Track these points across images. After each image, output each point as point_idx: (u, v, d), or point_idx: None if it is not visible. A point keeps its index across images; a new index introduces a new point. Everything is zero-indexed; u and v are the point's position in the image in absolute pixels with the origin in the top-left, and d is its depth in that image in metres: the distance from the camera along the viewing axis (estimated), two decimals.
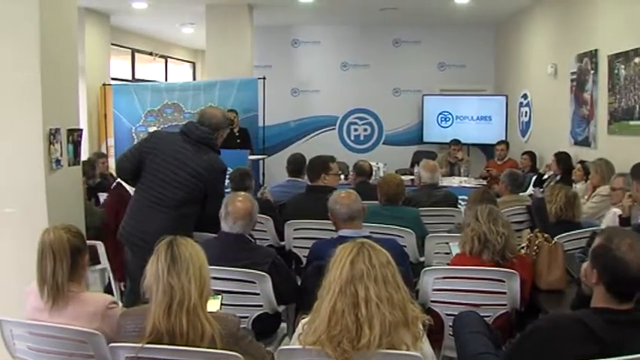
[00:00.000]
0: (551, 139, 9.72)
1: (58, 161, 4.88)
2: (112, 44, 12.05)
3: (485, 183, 9.44)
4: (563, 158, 8.20)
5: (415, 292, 3.92)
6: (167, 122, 10.67)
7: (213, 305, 2.98)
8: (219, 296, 3.18)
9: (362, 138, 13.84)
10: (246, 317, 3.88)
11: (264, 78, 10.95)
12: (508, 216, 4.95)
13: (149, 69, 14.50)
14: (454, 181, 9.49)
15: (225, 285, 3.71)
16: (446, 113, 12.96)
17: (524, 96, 11.40)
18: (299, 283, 4.31)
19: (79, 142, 5.27)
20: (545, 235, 4.21)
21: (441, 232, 5.26)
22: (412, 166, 10.72)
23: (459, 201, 6.50)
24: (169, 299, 2.62)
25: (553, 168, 8.35)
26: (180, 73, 16.17)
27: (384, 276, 2.56)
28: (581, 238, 4.75)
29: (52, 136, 4.80)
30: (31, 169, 4.73)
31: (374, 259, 2.57)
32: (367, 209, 4.53)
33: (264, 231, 5.53)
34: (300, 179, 6.58)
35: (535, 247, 4.12)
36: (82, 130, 5.36)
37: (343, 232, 4.21)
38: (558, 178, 7.96)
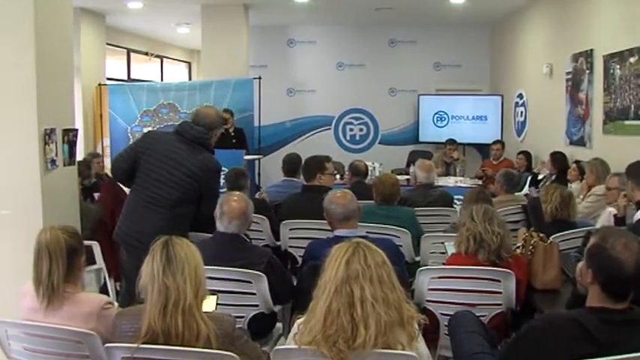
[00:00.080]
0: (546, 139, 9.73)
1: (53, 161, 4.88)
2: (108, 44, 12.03)
3: (480, 183, 9.45)
4: (558, 158, 8.21)
5: (411, 292, 3.91)
6: (163, 122, 10.64)
7: (209, 305, 2.98)
8: (215, 296, 3.18)
9: (358, 138, 13.83)
10: (242, 317, 3.88)
11: (259, 78, 10.93)
12: (504, 216, 4.96)
13: (145, 69, 14.48)
14: (450, 181, 9.49)
15: (220, 285, 3.70)
16: (441, 113, 12.97)
17: (520, 96, 11.41)
18: (295, 282, 4.32)
19: (75, 142, 5.27)
20: (541, 235, 4.21)
21: (437, 232, 5.27)
22: (408, 165, 10.72)
23: (455, 201, 6.51)
24: (165, 299, 2.62)
25: (548, 167, 8.37)
26: (175, 73, 16.15)
27: (380, 276, 2.56)
28: (576, 238, 4.76)
29: (48, 136, 4.80)
30: (26, 170, 4.73)
31: (369, 259, 2.57)
32: (363, 209, 4.54)
33: (260, 231, 5.54)
34: (295, 179, 6.59)
35: (530, 247, 4.13)
36: (77, 130, 5.35)
37: (339, 232, 4.21)
38: (554, 177, 7.97)
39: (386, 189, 5.48)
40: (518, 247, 4.26)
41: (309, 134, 13.72)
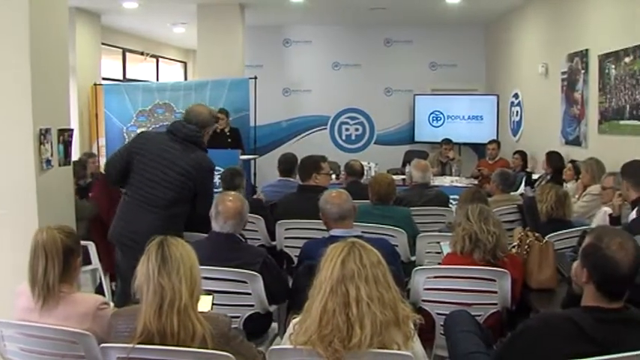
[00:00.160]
0: (542, 139, 9.75)
1: (48, 161, 4.87)
2: (103, 44, 12.01)
3: (476, 182, 9.46)
4: (554, 157, 8.23)
5: (406, 292, 3.92)
6: (158, 122, 10.62)
7: (205, 305, 2.97)
8: (211, 296, 3.18)
9: (353, 138, 13.84)
10: (238, 317, 3.88)
11: (255, 78, 10.93)
12: (499, 215, 4.96)
13: (140, 69, 14.46)
14: (445, 181, 9.49)
15: (216, 285, 3.70)
16: (437, 113, 12.98)
17: (516, 95, 11.43)
18: (290, 282, 4.31)
19: (70, 142, 5.26)
20: (536, 234, 4.22)
21: (432, 232, 5.27)
22: (403, 165, 10.73)
23: (451, 200, 6.52)
24: (160, 299, 2.61)
25: (544, 167, 8.38)
26: (171, 73, 16.13)
27: (375, 275, 2.56)
28: (572, 237, 4.77)
29: (43, 136, 4.79)
30: (21, 170, 4.72)
31: (365, 259, 2.57)
32: (358, 209, 4.53)
33: (256, 231, 5.53)
34: (291, 179, 6.58)
35: (526, 246, 4.13)
36: (72, 130, 5.35)
37: (334, 232, 4.21)
38: (549, 177, 7.98)
39: (382, 189, 5.48)
40: (513, 247, 4.27)
41: (304, 134, 13.72)
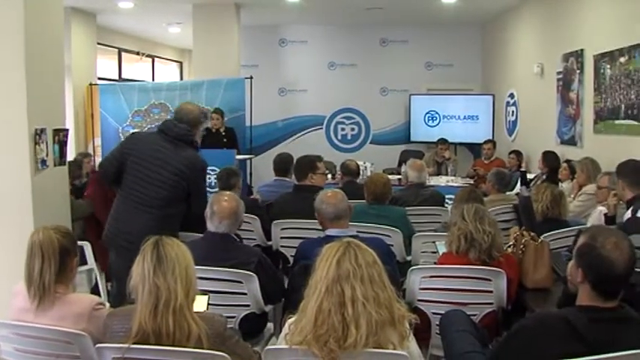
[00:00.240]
0: (537, 139, 9.76)
1: (43, 161, 4.87)
2: (99, 44, 12.00)
3: (472, 182, 9.46)
4: (549, 157, 8.24)
5: (402, 291, 3.92)
6: (154, 122, 10.59)
7: (200, 305, 2.97)
8: (206, 296, 3.17)
9: (349, 137, 13.83)
10: (233, 317, 3.88)
11: (251, 77, 10.91)
12: (495, 215, 4.97)
13: (136, 69, 14.45)
14: (441, 181, 9.50)
15: (211, 285, 3.70)
16: (433, 112, 12.98)
17: (511, 95, 11.44)
18: (286, 282, 4.31)
19: (65, 142, 5.26)
20: (532, 234, 4.22)
21: (428, 231, 5.27)
22: (399, 165, 10.74)
23: (446, 200, 6.52)
24: (155, 299, 2.61)
25: (540, 166, 8.39)
26: (167, 73, 16.12)
27: (371, 275, 2.56)
28: (567, 237, 4.77)
29: (38, 136, 4.78)
30: (16, 170, 4.71)
31: (360, 259, 2.57)
32: (354, 209, 4.54)
33: (252, 231, 5.53)
34: (287, 179, 6.58)
35: (521, 246, 4.13)
36: (68, 130, 5.34)
37: (330, 232, 4.21)
38: (545, 177, 7.99)
39: (377, 188, 5.49)
40: (509, 246, 4.27)
41: (300, 134, 13.71)
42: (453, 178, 9.84)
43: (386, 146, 13.41)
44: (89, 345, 2.85)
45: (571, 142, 8.46)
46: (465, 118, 12.77)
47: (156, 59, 15.25)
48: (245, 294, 3.91)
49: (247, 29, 12.18)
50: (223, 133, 9.69)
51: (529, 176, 8.73)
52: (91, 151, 10.49)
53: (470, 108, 12.75)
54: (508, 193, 6.92)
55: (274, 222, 5.41)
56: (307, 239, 4.53)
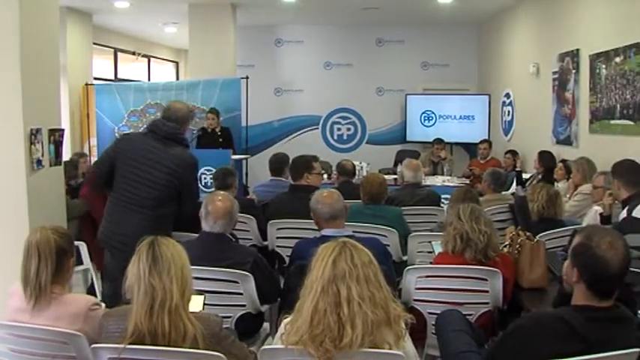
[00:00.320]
0: (533, 138, 9.78)
1: (39, 161, 4.86)
2: (95, 43, 11.98)
3: (468, 182, 9.47)
4: (545, 157, 8.24)
5: (398, 291, 3.92)
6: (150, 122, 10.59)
7: (196, 305, 2.97)
8: (202, 296, 3.17)
9: (345, 137, 13.84)
10: (229, 317, 3.88)
11: (247, 77, 10.92)
12: (491, 215, 4.97)
13: (132, 68, 14.43)
14: (437, 180, 9.51)
15: (207, 285, 3.69)
16: (429, 112, 12.99)
17: (507, 95, 11.45)
18: (282, 282, 4.31)
19: (61, 143, 5.25)
20: (528, 234, 4.23)
21: (424, 231, 5.28)
22: (395, 165, 10.75)
23: (442, 200, 6.52)
24: (151, 300, 2.61)
25: (535, 166, 8.40)
26: (163, 73, 16.11)
27: (366, 275, 2.56)
28: (563, 237, 4.77)
29: (33, 136, 4.77)
30: (11, 170, 4.71)
31: (356, 259, 2.57)
32: (350, 208, 4.53)
33: (247, 231, 5.53)
34: (283, 179, 6.57)
35: (517, 246, 4.14)
36: (63, 130, 5.34)
37: (326, 232, 4.20)
38: (540, 176, 8.00)
39: (373, 188, 5.49)
40: (505, 246, 4.28)
41: (296, 134, 13.72)
42: (448, 177, 9.86)
43: (382, 146, 13.43)
44: (85, 345, 2.85)
45: (567, 141, 8.47)
46: (460, 117, 12.78)
47: (152, 59, 15.24)
48: (241, 294, 3.90)
49: (243, 29, 12.17)
50: (219, 133, 9.69)
51: (525, 176, 8.75)
52: (86, 151, 10.48)
53: (466, 108, 12.76)
54: (504, 192, 6.93)
55: (270, 222, 5.41)
56: (303, 239, 4.53)
